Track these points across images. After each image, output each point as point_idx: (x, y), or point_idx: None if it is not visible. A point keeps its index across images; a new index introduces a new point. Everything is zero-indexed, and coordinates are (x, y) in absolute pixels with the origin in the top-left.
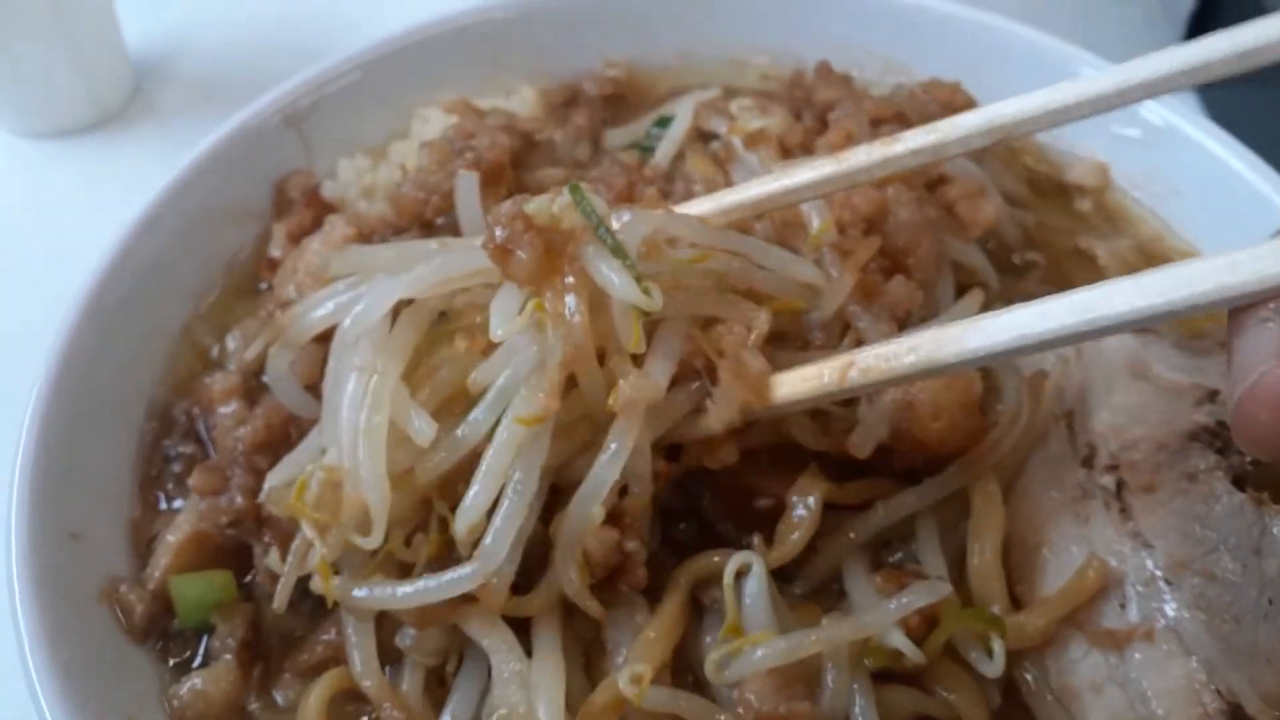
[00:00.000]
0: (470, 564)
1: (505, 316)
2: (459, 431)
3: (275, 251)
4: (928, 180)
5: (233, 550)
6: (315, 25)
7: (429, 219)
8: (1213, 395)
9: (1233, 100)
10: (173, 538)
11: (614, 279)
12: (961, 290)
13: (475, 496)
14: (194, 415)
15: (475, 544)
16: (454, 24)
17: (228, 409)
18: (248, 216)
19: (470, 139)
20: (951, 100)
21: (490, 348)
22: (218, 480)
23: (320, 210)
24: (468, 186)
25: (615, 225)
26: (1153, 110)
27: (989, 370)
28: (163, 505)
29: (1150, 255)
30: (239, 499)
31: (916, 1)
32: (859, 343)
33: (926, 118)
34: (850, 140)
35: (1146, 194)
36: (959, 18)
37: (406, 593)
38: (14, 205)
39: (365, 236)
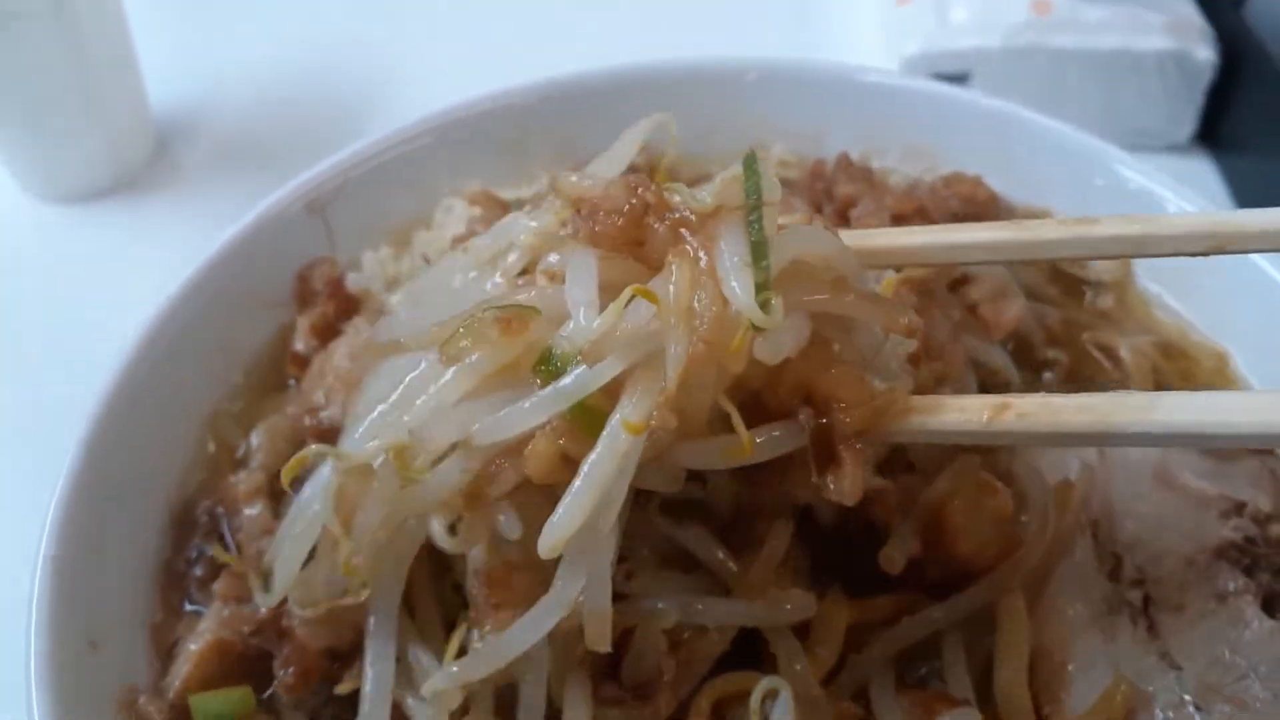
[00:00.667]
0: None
1: (589, 305)
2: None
3: (299, 345)
4: (951, 280)
5: (255, 659)
6: (339, 86)
7: None
8: (1240, 508)
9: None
10: (194, 646)
11: (733, 282)
12: (984, 390)
13: (570, 507)
14: (218, 515)
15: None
16: (476, 109)
17: (252, 510)
18: (271, 307)
19: None
20: (974, 195)
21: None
22: (243, 587)
23: (344, 303)
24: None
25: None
26: (1175, 204)
27: (1015, 476)
28: (186, 607)
29: (1172, 354)
30: (262, 607)
31: (936, 89)
32: None
33: (948, 213)
34: None
35: (1169, 288)
36: (979, 106)
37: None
38: (36, 269)
39: None
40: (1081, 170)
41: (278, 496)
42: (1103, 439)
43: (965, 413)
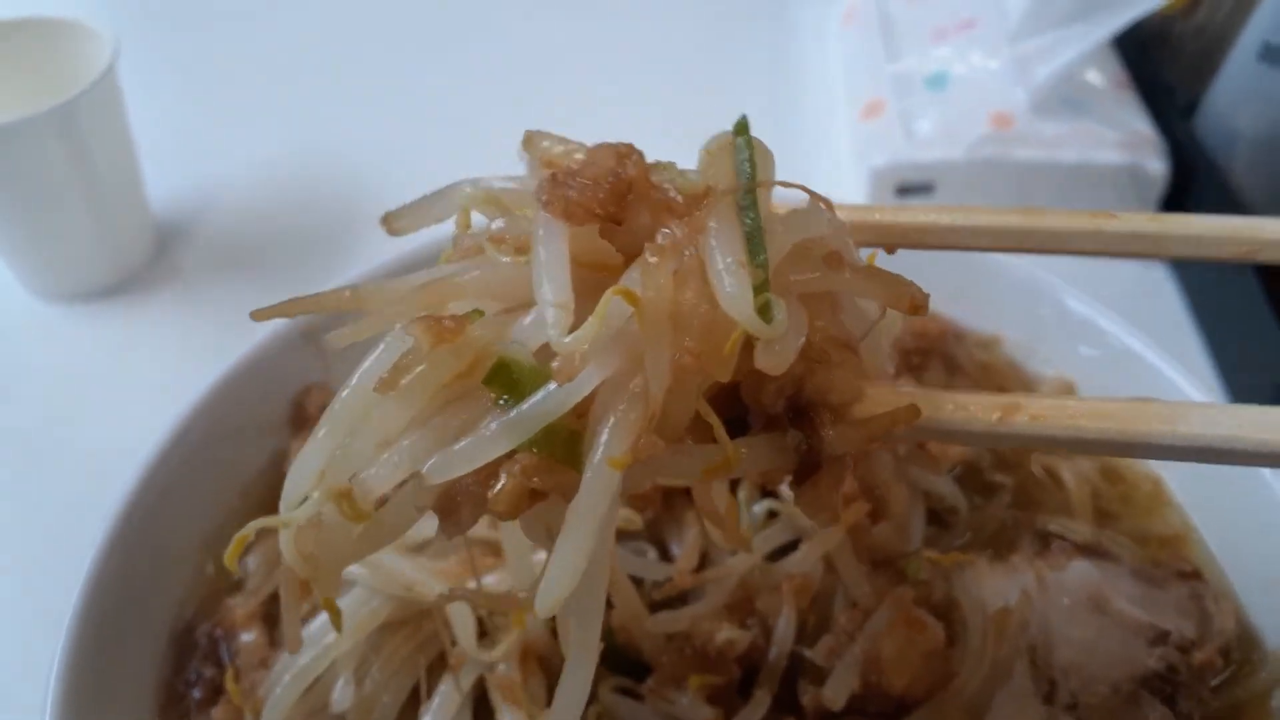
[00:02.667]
0: None
1: (560, 309)
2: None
3: None
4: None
5: None
6: (333, 190)
7: None
8: (1165, 636)
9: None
10: None
11: (727, 285)
12: (932, 518)
13: (564, 562)
14: (216, 638)
15: None
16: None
17: (249, 636)
18: (267, 432)
19: None
20: (924, 329)
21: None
22: (240, 714)
23: None
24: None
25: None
26: (1113, 334)
27: (956, 603)
28: None
29: (1111, 478)
30: None
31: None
32: None
33: (899, 349)
34: None
35: None
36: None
37: None
38: (37, 369)
39: None
40: (1028, 300)
41: (273, 620)
42: (1123, 448)
43: (971, 410)
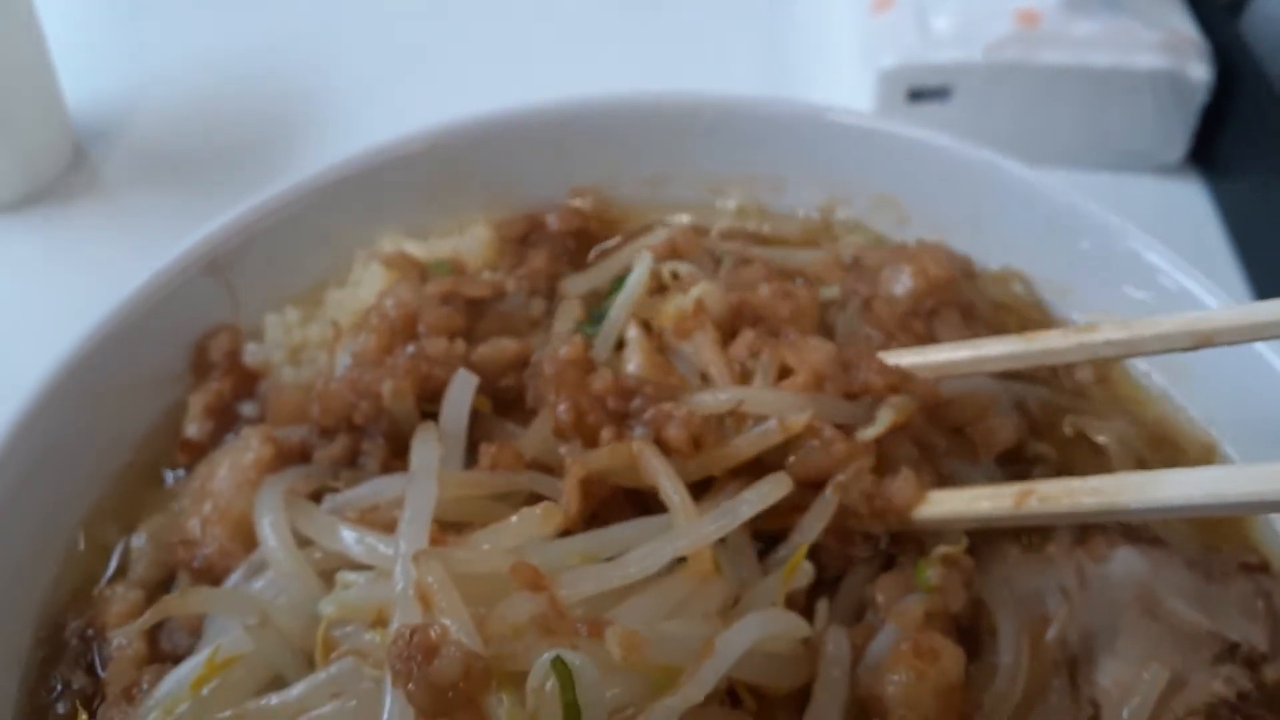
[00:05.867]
0: None
1: None
2: None
3: (190, 429)
4: (927, 405)
5: None
6: (271, 97)
7: (358, 424)
8: (1233, 650)
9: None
10: None
11: None
12: None
13: None
14: (88, 638)
15: None
16: (400, 151)
17: (125, 640)
18: (163, 382)
19: (413, 324)
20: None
21: None
22: None
23: (241, 379)
24: (462, 388)
25: None
26: (1168, 276)
27: (983, 607)
28: None
29: (1156, 440)
30: None
31: (907, 134)
32: None
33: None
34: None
35: (1152, 361)
36: (955, 156)
37: None
38: None
39: (284, 456)
40: (1064, 232)
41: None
42: (1110, 514)
43: (990, 501)
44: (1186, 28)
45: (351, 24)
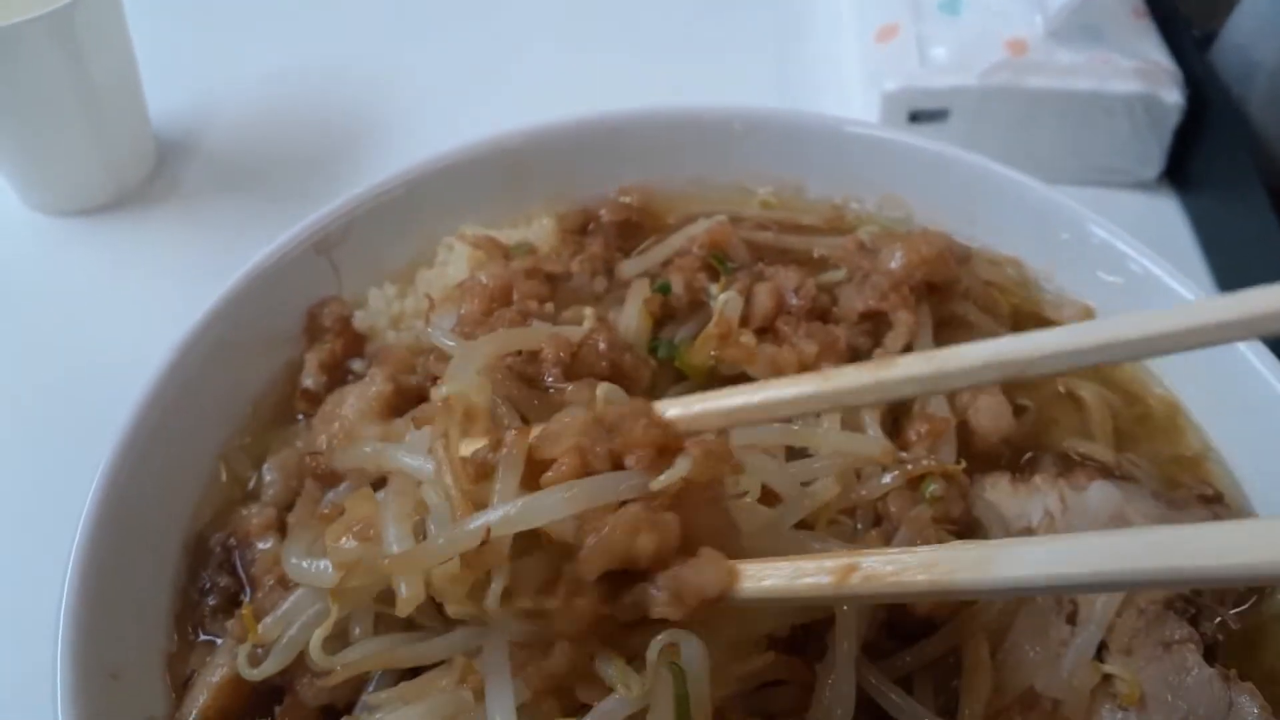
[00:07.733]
0: None
1: None
2: None
3: (308, 381)
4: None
5: (267, 693)
6: (338, 109)
7: None
8: None
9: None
10: (210, 678)
11: None
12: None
13: None
14: (230, 547)
15: None
16: (475, 153)
17: (265, 545)
18: (280, 344)
19: (507, 292)
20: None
21: None
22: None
23: (351, 339)
24: None
25: None
26: (1135, 261)
27: (977, 524)
28: (200, 637)
29: (1129, 398)
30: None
31: (911, 144)
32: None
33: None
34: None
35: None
36: (952, 160)
37: None
38: (35, 284)
39: (403, 394)
40: (1046, 224)
41: (287, 530)
42: (940, 596)
43: (815, 578)
44: (1161, 57)
45: (411, 44)
